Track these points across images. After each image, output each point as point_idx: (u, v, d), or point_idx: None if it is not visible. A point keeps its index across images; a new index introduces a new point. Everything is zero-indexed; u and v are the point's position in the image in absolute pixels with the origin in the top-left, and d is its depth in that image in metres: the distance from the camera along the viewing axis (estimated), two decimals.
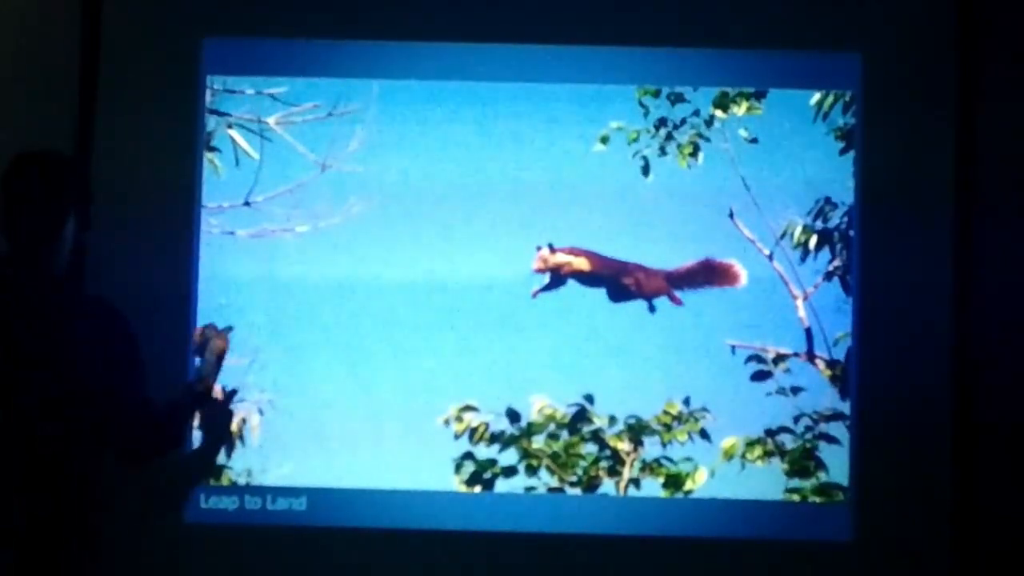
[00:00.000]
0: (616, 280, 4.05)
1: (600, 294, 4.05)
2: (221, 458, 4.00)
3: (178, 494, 3.76)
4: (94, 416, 2.89)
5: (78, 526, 2.90)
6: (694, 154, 4.06)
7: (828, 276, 4.05)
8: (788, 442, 4.01)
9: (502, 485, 4.03)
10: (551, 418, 4.04)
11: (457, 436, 4.02)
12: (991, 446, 3.99)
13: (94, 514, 2.93)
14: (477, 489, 4.02)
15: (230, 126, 4.08)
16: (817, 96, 4.06)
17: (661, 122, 4.06)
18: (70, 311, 2.93)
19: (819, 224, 4.05)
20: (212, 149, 4.07)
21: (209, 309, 4.02)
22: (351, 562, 4.00)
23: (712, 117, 4.07)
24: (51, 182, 2.93)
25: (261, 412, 4.02)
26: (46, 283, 2.91)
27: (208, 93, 4.08)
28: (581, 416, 4.03)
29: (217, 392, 3.32)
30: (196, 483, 3.84)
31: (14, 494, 2.84)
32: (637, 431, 4.03)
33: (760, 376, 4.02)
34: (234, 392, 3.36)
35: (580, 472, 4.03)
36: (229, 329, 3.44)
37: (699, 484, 4.01)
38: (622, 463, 4.03)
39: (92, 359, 2.90)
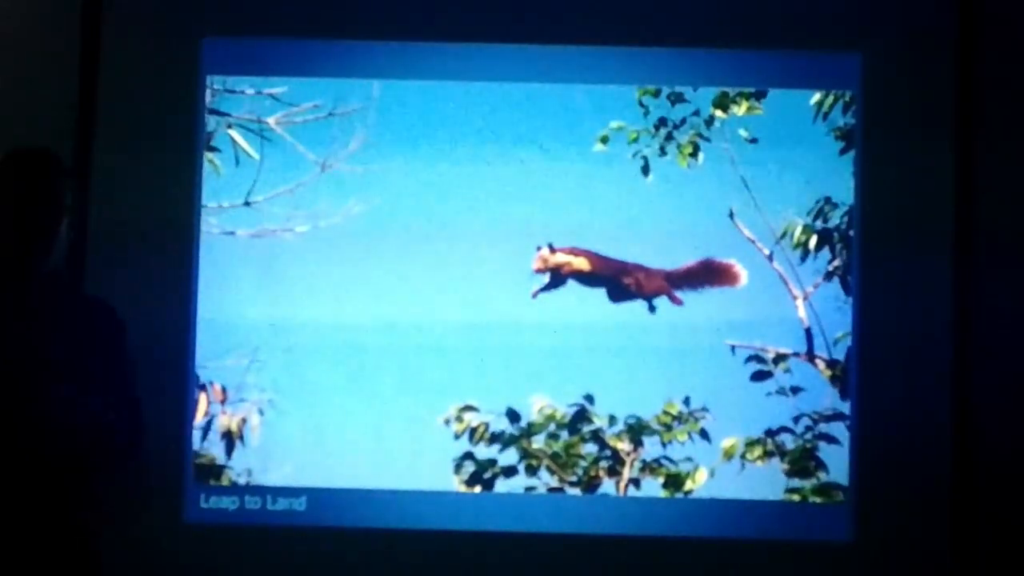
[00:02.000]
0: (616, 280, 4.05)
1: (600, 294, 4.05)
2: (221, 458, 4.01)
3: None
4: (89, 414, 2.89)
5: (77, 526, 2.90)
6: (694, 154, 4.06)
7: (828, 276, 4.05)
8: (788, 442, 4.01)
9: (502, 485, 4.03)
10: (551, 418, 4.04)
11: (457, 436, 4.02)
12: (991, 446, 3.99)
13: (92, 513, 2.93)
14: (477, 489, 4.02)
15: (230, 126, 4.08)
16: (817, 96, 4.06)
17: (661, 122, 4.06)
18: (64, 308, 2.93)
19: (819, 224, 4.05)
20: (212, 149, 4.07)
21: (209, 308, 4.02)
22: (351, 562, 4.00)
23: (712, 117, 4.07)
24: (50, 179, 2.92)
25: (261, 412, 4.02)
26: (40, 280, 2.91)
27: (208, 93, 4.08)
28: (581, 416, 4.03)
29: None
30: None
31: (12, 493, 2.83)
32: (637, 431, 4.03)
33: (760, 376, 4.02)
34: None
35: (580, 472, 4.03)
36: None
37: (699, 484, 4.01)
38: (622, 463, 4.03)
39: (85, 356, 2.90)
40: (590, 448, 4.03)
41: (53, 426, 2.84)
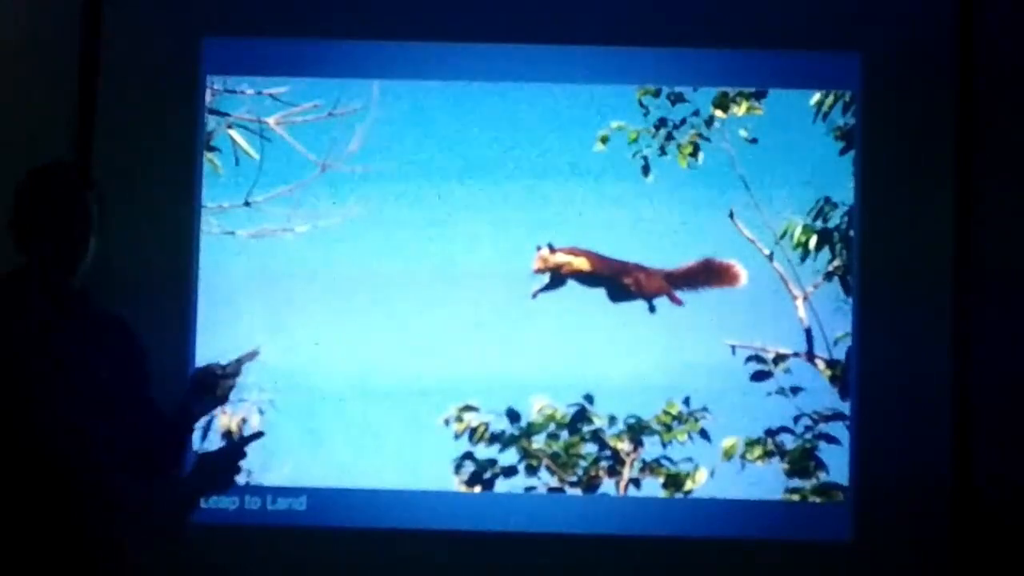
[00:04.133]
0: (616, 280, 4.05)
1: (600, 294, 4.05)
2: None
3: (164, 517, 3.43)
4: (109, 431, 2.89)
5: (98, 539, 2.89)
6: (694, 154, 4.06)
7: (828, 276, 4.05)
8: (788, 442, 4.01)
9: (502, 485, 4.03)
10: (551, 418, 4.04)
11: (457, 436, 4.03)
12: (991, 446, 3.99)
13: (111, 527, 2.92)
14: (477, 489, 4.02)
15: (230, 126, 4.08)
16: (817, 96, 4.06)
17: (661, 122, 4.06)
18: (90, 324, 2.92)
19: (819, 224, 4.05)
20: (212, 149, 4.07)
21: (209, 309, 4.02)
22: (351, 562, 4.00)
23: (712, 117, 4.07)
24: (78, 193, 2.91)
25: (261, 412, 4.02)
26: (68, 296, 2.90)
27: (208, 93, 4.08)
28: (581, 416, 4.03)
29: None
30: (177, 513, 3.40)
31: (30, 510, 2.82)
32: (637, 431, 4.03)
33: (760, 376, 4.02)
34: (255, 436, 3.10)
35: (580, 472, 4.03)
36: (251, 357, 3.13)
37: (699, 484, 4.01)
38: (622, 463, 4.03)
39: (109, 373, 2.90)
40: (590, 448, 4.04)
41: (76, 439, 2.83)
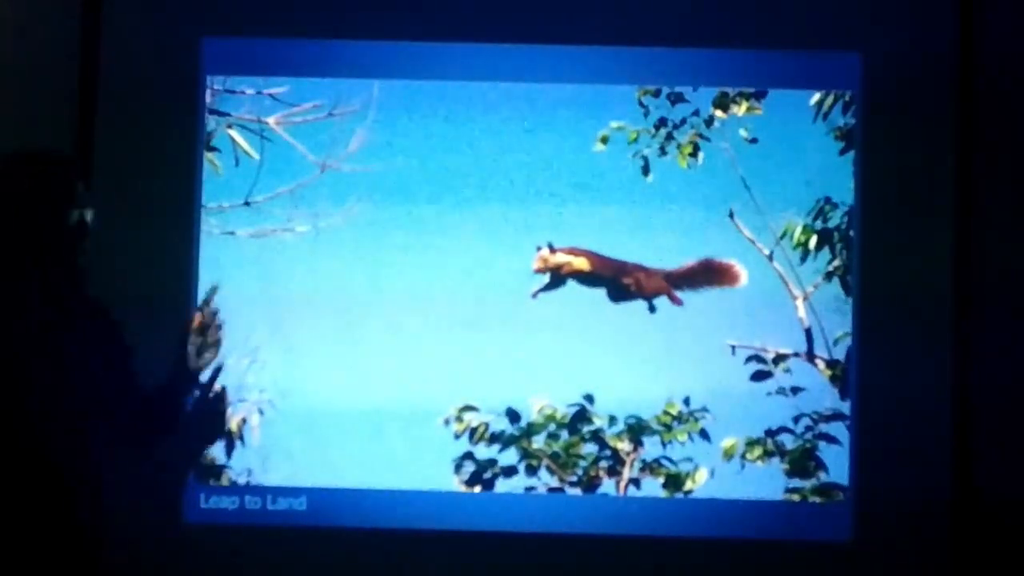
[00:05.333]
0: (616, 280, 4.05)
1: (600, 294, 4.05)
2: (221, 458, 4.01)
3: (170, 482, 3.67)
4: (109, 429, 2.90)
5: (85, 526, 2.90)
6: (694, 154, 4.06)
7: (828, 276, 4.05)
8: (788, 442, 4.01)
9: (502, 485, 4.03)
10: (551, 418, 4.04)
11: (457, 436, 4.03)
12: (991, 445, 3.99)
13: (98, 514, 2.93)
14: (477, 489, 4.02)
15: (230, 126, 4.08)
16: (817, 96, 4.06)
17: (661, 122, 4.06)
18: (88, 320, 2.93)
19: (819, 224, 4.05)
20: (212, 149, 4.07)
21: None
22: (351, 562, 4.00)
23: (712, 117, 4.07)
24: (66, 180, 2.92)
25: (261, 412, 4.02)
26: (67, 294, 2.91)
27: (208, 93, 4.08)
28: (581, 416, 4.03)
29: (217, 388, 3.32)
30: (181, 473, 3.75)
31: (23, 496, 2.83)
32: (637, 431, 4.03)
33: (760, 376, 4.02)
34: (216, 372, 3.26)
35: (580, 472, 4.03)
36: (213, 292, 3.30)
37: (699, 484, 4.01)
38: (622, 463, 4.03)
39: (95, 357, 2.91)
40: (590, 448, 4.04)
41: (75, 438, 2.84)
